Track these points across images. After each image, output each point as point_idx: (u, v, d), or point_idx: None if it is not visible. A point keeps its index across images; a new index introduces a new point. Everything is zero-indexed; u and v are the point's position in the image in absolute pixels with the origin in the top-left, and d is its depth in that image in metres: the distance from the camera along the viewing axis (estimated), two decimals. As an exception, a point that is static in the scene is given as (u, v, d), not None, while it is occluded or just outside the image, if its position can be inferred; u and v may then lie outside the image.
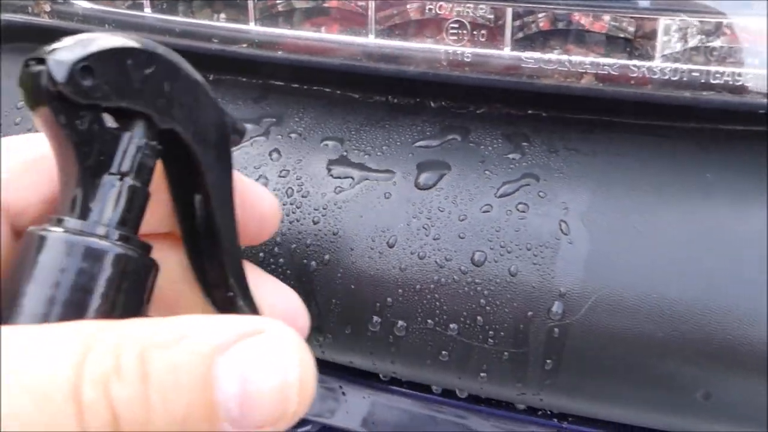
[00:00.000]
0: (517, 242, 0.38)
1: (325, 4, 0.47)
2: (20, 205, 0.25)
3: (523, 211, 0.39)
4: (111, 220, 0.22)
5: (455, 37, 0.41)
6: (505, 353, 0.38)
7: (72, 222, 0.22)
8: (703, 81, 0.38)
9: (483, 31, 0.40)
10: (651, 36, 0.40)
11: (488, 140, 0.42)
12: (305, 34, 0.45)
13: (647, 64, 0.39)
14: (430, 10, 0.41)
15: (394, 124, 0.45)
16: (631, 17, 0.41)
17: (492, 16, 0.40)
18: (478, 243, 0.38)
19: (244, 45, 0.46)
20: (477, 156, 0.41)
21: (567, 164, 0.40)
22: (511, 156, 0.41)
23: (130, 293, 0.22)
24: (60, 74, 0.21)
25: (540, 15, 0.42)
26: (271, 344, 0.20)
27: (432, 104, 0.47)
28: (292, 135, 0.46)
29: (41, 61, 0.21)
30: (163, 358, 0.19)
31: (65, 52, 0.21)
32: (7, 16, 0.58)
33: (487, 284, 0.38)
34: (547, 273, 0.37)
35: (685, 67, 0.38)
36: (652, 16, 0.40)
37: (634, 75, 0.39)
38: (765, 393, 0.36)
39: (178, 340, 0.19)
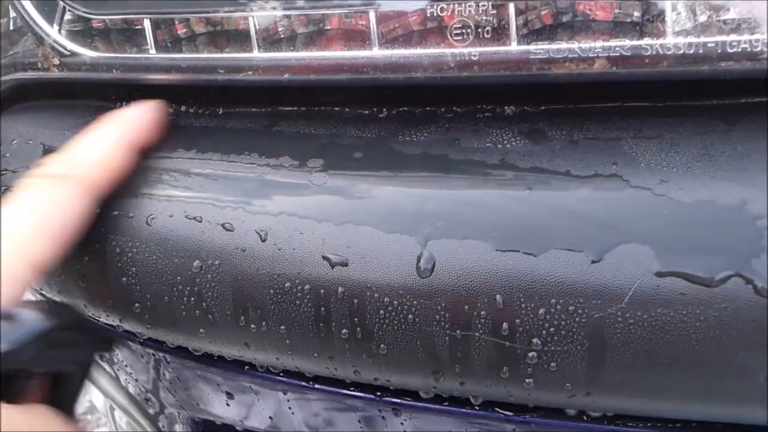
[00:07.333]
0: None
1: (327, 27, 0.47)
2: None
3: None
4: None
5: (460, 38, 0.40)
6: None
7: None
8: (720, 51, 0.37)
9: (487, 28, 0.39)
10: (660, 16, 0.39)
11: (506, 138, 0.41)
12: (309, 54, 0.45)
13: (660, 41, 0.38)
14: (431, 14, 0.41)
15: (407, 135, 0.44)
16: (637, 1, 0.41)
17: (494, 12, 0.39)
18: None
19: (250, 72, 0.46)
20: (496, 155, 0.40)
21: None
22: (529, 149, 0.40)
23: None
24: None
25: (543, 10, 0.41)
26: None
27: (443, 111, 0.46)
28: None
29: None
30: None
31: None
32: (17, 75, 0.59)
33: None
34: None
35: (698, 40, 0.37)
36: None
37: (648, 54, 0.38)
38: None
39: None
